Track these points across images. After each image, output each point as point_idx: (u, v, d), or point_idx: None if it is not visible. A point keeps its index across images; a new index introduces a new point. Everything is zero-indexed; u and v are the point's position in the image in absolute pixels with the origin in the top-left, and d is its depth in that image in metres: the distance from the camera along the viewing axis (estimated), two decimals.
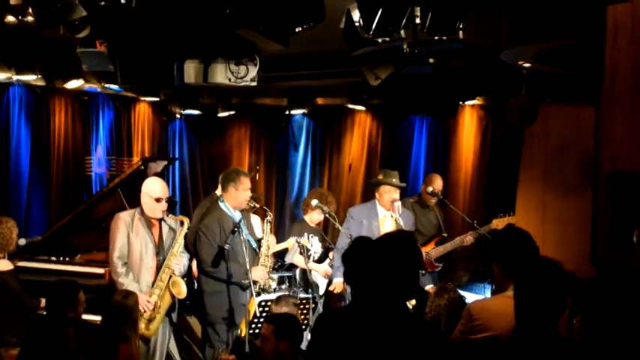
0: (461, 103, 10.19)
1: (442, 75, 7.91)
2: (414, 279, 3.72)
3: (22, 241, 7.22)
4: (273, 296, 6.80)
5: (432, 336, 3.58)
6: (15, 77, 8.54)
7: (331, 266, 8.30)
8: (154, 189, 6.71)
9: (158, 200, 6.68)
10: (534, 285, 3.51)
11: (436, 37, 5.31)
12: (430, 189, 8.67)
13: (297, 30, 5.46)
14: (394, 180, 7.86)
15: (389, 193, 7.79)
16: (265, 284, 7.28)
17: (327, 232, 10.16)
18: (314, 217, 8.57)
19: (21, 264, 7.42)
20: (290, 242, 7.94)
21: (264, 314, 6.57)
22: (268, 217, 7.42)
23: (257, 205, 7.98)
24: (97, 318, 6.17)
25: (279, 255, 8.34)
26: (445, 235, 8.54)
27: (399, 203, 7.71)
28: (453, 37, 5.33)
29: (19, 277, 7.01)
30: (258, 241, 7.42)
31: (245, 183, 7.14)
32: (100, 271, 7.40)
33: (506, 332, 3.71)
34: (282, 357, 5.13)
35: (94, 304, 6.56)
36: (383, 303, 3.59)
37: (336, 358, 3.63)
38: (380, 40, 5.30)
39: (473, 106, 10.37)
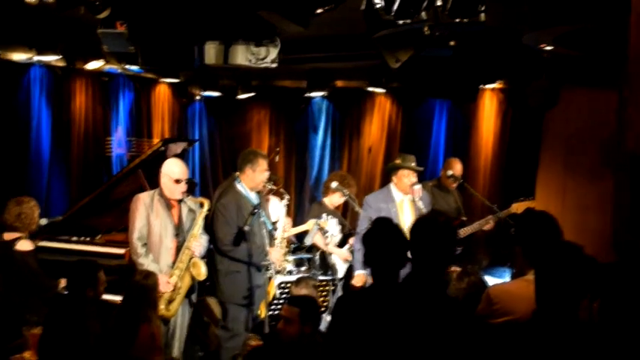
0: (481, 86, 10.14)
1: (462, 58, 7.87)
2: (448, 260, 3.69)
3: (44, 221, 7.26)
4: (293, 278, 6.82)
5: (460, 318, 3.55)
6: (36, 58, 8.57)
7: (351, 251, 8.31)
8: (173, 170, 6.73)
9: (178, 181, 6.69)
10: (555, 268, 3.50)
11: (457, 20, 5.27)
12: (450, 173, 8.66)
13: (317, 11, 5.44)
14: (412, 164, 7.83)
15: (407, 177, 7.76)
16: (280, 266, 7.29)
17: (346, 216, 10.18)
18: (334, 200, 8.58)
19: (42, 244, 7.45)
20: (310, 224, 7.95)
21: (283, 296, 6.59)
22: (285, 200, 7.42)
23: (274, 188, 7.99)
24: (118, 298, 6.21)
25: (299, 237, 8.35)
26: (465, 219, 8.52)
27: (419, 186, 7.69)
28: (475, 19, 5.29)
29: (41, 256, 7.06)
30: (274, 223, 7.43)
31: (262, 165, 7.15)
32: (121, 251, 7.41)
33: (526, 316, 3.71)
34: (306, 339, 5.15)
35: (115, 285, 6.60)
36: (417, 281, 3.57)
37: (359, 340, 3.63)
38: (401, 22, 5.26)
39: (493, 89, 10.32)
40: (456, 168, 8.79)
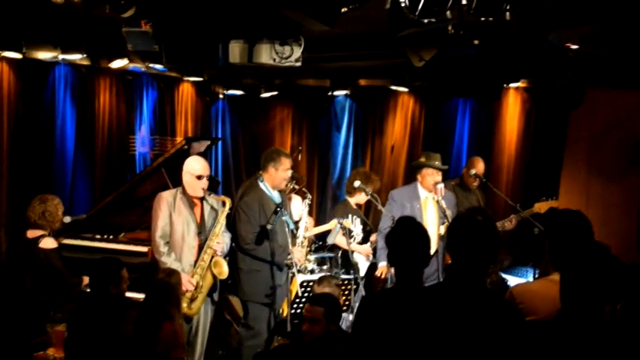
0: (505, 85, 10.10)
1: (486, 57, 7.83)
2: (489, 260, 3.64)
3: (67, 219, 7.29)
4: (314, 277, 6.81)
5: (501, 318, 3.51)
6: (61, 57, 8.60)
7: (373, 248, 8.31)
8: (194, 167, 6.75)
9: (199, 178, 6.71)
10: (583, 269, 3.47)
11: (482, 19, 5.25)
12: (473, 172, 8.64)
13: (342, 10, 5.43)
14: (437, 162, 7.82)
15: (432, 175, 7.76)
16: (302, 265, 7.29)
17: (368, 214, 10.17)
18: (359, 199, 8.58)
19: (66, 241, 7.51)
20: (332, 223, 7.94)
21: (306, 294, 6.59)
22: (307, 200, 7.42)
23: (297, 187, 7.99)
24: (141, 296, 6.23)
25: (320, 236, 8.35)
26: None
27: (442, 185, 7.68)
28: (500, 18, 5.27)
29: (64, 254, 7.10)
30: (296, 222, 7.43)
31: (285, 163, 7.15)
32: (144, 249, 7.45)
33: (549, 316, 3.68)
34: (331, 338, 5.16)
35: (138, 283, 6.63)
36: (458, 281, 3.54)
37: (383, 340, 3.61)
38: (425, 21, 5.24)
39: (517, 88, 10.27)
40: (479, 167, 8.77)
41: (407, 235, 4.01)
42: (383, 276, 7.73)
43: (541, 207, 8.18)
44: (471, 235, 3.52)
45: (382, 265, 7.73)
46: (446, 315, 3.45)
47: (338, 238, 7.90)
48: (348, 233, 7.52)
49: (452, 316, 3.43)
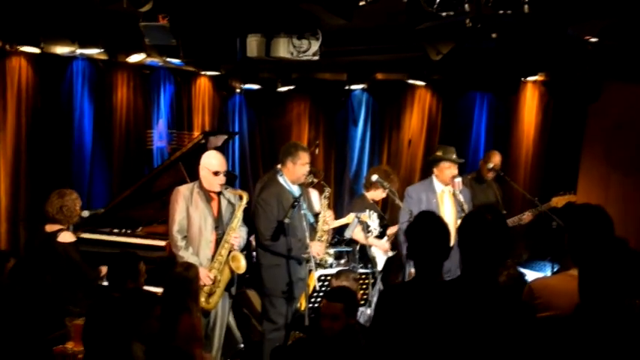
0: (522, 79, 10.06)
1: (504, 50, 7.80)
2: (500, 257, 3.62)
3: (85, 213, 7.31)
4: (332, 271, 6.81)
5: (513, 313, 3.50)
6: (78, 51, 8.63)
7: (391, 243, 8.32)
8: (212, 162, 6.75)
9: (216, 174, 6.71)
10: (600, 262, 3.45)
11: (500, 12, 5.23)
12: (490, 165, 8.63)
13: (360, 4, 5.42)
14: (453, 156, 7.80)
15: (449, 169, 7.74)
16: (322, 259, 7.29)
17: (386, 210, 10.15)
18: (376, 194, 8.57)
19: (84, 235, 7.53)
20: (350, 217, 7.93)
21: (323, 289, 6.59)
22: (326, 193, 7.41)
23: (315, 180, 7.99)
24: (159, 290, 6.25)
25: (338, 230, 8.34)
26: (504, 212, 8.46)
27: (459, 179, 7.66)
28: (518, 11, 5.24)
29: (82, 248, 7.12)
30: (316, 215, 7.42)
31: (303, 158, 7.15)
32: (161, 243, 7.47)
33: (568, 311, 3.66)
34: (351, 331, 5.16)
35: (156, 276, 6.65)
36: (470, 279, 3.53)
37: (403, 334, 3.59)
38: (443, 15, 5.23)
39: (535, 82, 10.23)
40: (496, 160, 8.77)
41: (426, 229, 3.99)
42: None
43: (558, 201, 8.16)
44: (480, 233, 3.51)
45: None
46: (457, 311, 3.44)
47: (356, 233, 7.89)
48: (365, 227, 7.50)
49: (462, 312, 3.43)
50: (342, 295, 5.32)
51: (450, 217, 7.73)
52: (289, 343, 6.50)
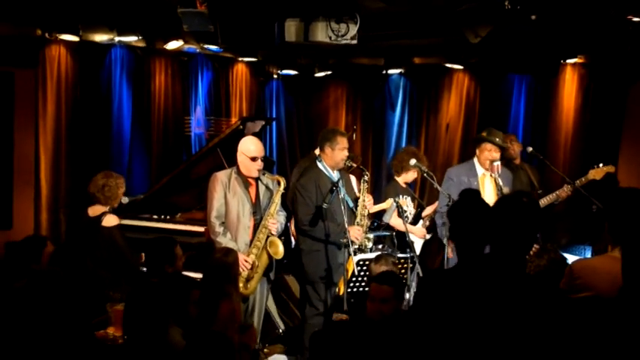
0: (562, 61, 9.96)
1: (543, 32, 7.71)
2: (532, 240, 3.59)
3: (125, 200, 7.35)
4: (371, 255, 6.80)
5: (547, 296, 3.47)
6: (117, 39, 8.69)
7: (426, 227, 8.29)
8: (249, 148, 6.76)
9: (254, 159, 6.72)
10: None
11: None
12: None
13: None
14: (497, 139, 7.69)
15: (490, 151, 7.62)
16: (362, 244, 7.28)
17: (423, 194, 10.11)
18: (408, 177, 8.51)
19: (124, 222, 7.57)
20: (388, 202, 7.90)
21: (362, 273, 6.58)
22: (365, 177, 7.40)
23: (354, 165, 7.96)
24: (198, 275, 6.28)
25: (377, 215, 8.32)
26: (540, 191, 8.38)
27: (498, 163, 7.56)
28: None
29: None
30: (355, 200, 7.41)
31: (341, 142, 7.13)
32: (200, 229, 7.51)
33: (607, 292, 3.65)
34: (399, 316, 5.15)
35: (195, 262, 6.68)
36: (498, 261, 3.50)
37: (444, 318, 3.56)
38: None
39: (574, 64, 10.11)
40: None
41: (470, 209, 3.91)
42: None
43: (596, 173, 7.98)
44: (515, 215, 3.48)
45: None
46: (486, 294, 3.42)
47: (393, 220, 7.86)
48: (402, 212, 7.46)
49: (493, 297, 3.41)
50: (392, 278, 5.31)
51: (491, 201, 7.62)
52: (328, 327, 6.50)
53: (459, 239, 3.86)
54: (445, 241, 7.34)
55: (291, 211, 7.29)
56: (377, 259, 6.45)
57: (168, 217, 8.02)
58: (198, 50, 9.78)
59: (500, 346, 3.34)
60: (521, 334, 3.31)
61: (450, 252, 7.14)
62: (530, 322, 3.31)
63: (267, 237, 6.77)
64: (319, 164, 7.16)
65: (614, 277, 3.64)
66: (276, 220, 6.83)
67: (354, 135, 11.13)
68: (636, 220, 3.89)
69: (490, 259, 3.56)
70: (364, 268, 6.60)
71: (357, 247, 7.04)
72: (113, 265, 6.77)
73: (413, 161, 8.00)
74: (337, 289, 6.99)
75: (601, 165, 8.04)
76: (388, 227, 8.15)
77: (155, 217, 8.01)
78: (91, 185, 6.93)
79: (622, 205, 4.21)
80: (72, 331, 4.86)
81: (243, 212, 6.75)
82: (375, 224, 8.34)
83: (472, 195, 4.02)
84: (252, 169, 6.76)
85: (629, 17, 6.42)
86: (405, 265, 6.78)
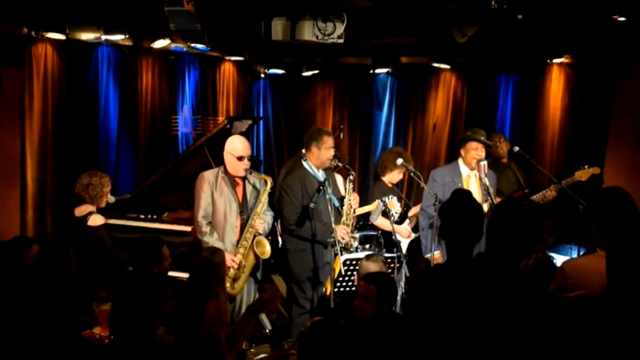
0: (549, 61, 9.98)
1: (529, 32, 7.73)
2: (530, 244, 3.59)
3: (112, 199, 7.32)
4: (358, 255, 6.80)
5: (537, 297, 3.47)
6: (103, 37, 8.67)
7: (412, 228, 8.30)
8: (236, 147, 6.76)
9: (240, 159, 6.73)
10: (624, 245, 3.43)
11: None
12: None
13: None
14: (482, 137, 7.71)
15: (476, 150, 7.64)
16: (347, 243, 7.29)
17: (410, 194, 10.12)
18: (393, 177, 8.51)
19: (111, 221, 7.55)
20: (375, 204, 7.90)
21: (349, 273, 6.58)
22: (351, 177, 7.40)
23: (340, 165, 7.97)
24: (185, 275, 6.27)
25: (362, 215, 8.32)
26: (527, 190, 8.41)
27: (484, 163, 7.57)
28: None
29: None
30: (341, 199, 7.42)
31: (327, 142, 7.14)
32: (187, 228, 7.49)
33: (599, 291, 3.67)
34: (383, 318, 5.14)
35: (182, 262, 6.66)
36: (492, 262, 3.50)
37: (435, 317, 3.56)
38: None
39: (561, 64, 10.13)
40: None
41: (461, 208, 3.90)
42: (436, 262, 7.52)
43: (582, 174, 8.04)
44: (516, 218, 3.48)
45: (437, 255, 7.52)
46: (477, 293, 3.42)
47: (380, 220, 7.87)
48: (388, 212, 7.46)
49: (487, 297, 3.41)
50: (380, 279, 5.29)
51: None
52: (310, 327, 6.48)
53: (450, 238, 3.86)
54: (426, 245, 7.39)
55: (278, 211, 7.29)
56: (367, 257, 6.43)
57: (155, 216, 8.00)
58: (185, 49, 9.77)
59: (489, 344, 3.34)
60: (510, 333, 3.31)
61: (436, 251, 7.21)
62: (519, 321, 3.32)
63: (254, 237, 6.78)
64: (304, 163, 7.17)
65: (603, 275, 3.68)
66: (263, 219, 6.84)
67: (342, 134, 11.15)
68: (617, 220, 3.92)
69: (483, 258, 3.55)
70: (351, 267, 6.60)
71: (342, 246, 7.04)
72: (99, 264, 6.74)
73: (400, 160, 8.00)
74: (324, 289, 7.00)
75: (586, 166, 8.09)
76: (374, 227, 8.15)
77: (142, 216, 7.98)
78: (76, 185, 6.90)
79: (603, 205, 4.23)
80: (58, 330, 4.85)
81: (230, 212, 6.75)
82: (361, 223, 8.34)
83: (463, 194, 4.02)
84: (239, 168, 6.76)
85: (615, 17, 6.44)
86: (392, 265, 6.79)
